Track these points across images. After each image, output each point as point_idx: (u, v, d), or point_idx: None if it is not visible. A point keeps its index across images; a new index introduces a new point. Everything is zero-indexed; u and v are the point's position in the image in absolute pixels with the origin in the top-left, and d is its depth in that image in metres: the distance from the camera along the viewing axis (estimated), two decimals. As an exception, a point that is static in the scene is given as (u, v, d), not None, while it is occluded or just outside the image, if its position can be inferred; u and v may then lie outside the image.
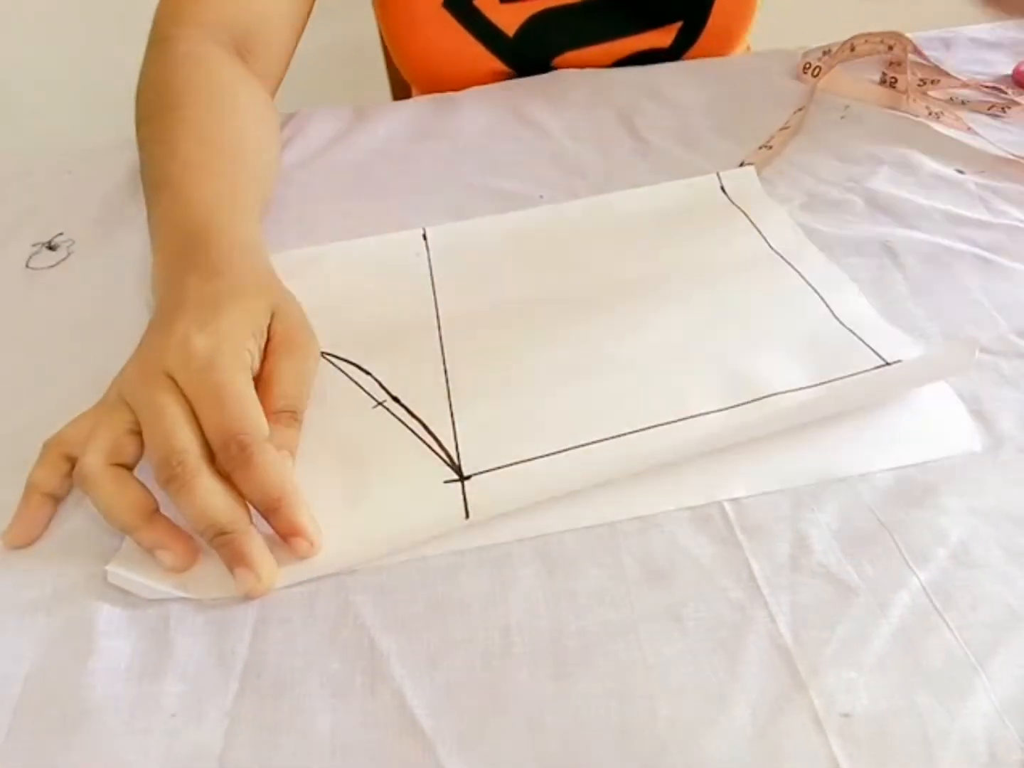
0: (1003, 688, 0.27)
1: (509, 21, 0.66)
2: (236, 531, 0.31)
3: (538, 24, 0.67)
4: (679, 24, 0.68)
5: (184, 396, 0.33)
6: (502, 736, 0.27)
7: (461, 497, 0.33)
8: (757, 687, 0.27)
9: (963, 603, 0.29)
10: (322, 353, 0.41)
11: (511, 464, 0.34)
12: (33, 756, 0.27)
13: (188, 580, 0.32)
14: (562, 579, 0.31)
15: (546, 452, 0.34)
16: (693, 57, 0.70)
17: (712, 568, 0.31)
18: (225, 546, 0.31)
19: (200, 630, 0.30)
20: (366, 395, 0.38)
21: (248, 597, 0.31)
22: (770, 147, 0.54)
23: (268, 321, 0.37)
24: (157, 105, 0.49)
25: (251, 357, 0.36)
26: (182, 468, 0.31)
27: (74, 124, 1.36)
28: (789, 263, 0.44)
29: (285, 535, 0.31)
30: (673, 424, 0.35)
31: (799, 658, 0.28)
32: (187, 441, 0.32)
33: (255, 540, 0.31)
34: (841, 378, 0.36)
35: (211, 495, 0.31)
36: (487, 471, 0.34)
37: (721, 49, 0.70)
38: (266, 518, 0.32)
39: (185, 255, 0.40)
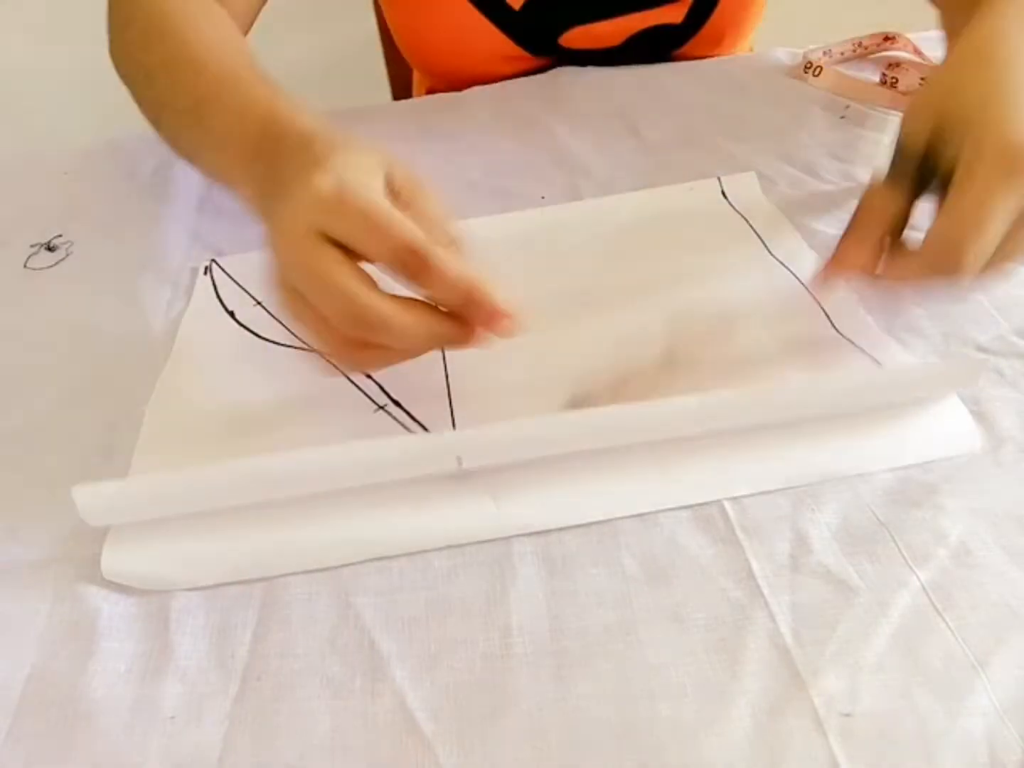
0: (1003, 688, 0.27)
1: None
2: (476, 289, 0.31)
3: None
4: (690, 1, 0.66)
5: (339, 243, 0.31)
6: (502, 737, 0.27)
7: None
8: (757, 687, 0.27)
9: (963, 603, 0.29)
10: (322, 355, 0.41)
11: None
12: (33, 757, 0.27)
13: (183, 567, 0.32)
14: (562, 579, 0.31)
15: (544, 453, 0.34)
16: (706, 36, 0.68)
17: (712, 568, 0.31)
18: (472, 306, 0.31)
19: (200, 632, 0.30)
20: (367, 399, 0.38)
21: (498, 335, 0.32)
22: None
23: (388, 168, 0.36)
24: (154, 34, 0.48)
25: (383, 191, 0.34)
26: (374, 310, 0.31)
27: (73, 125, 1.37)
28: (789, 270, 0.43)
29: (489, 318, 0.32)
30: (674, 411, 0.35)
31: (799, 658, 0.28)
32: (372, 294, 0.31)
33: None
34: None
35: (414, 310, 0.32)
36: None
37: (735, 28, 0.68)
38: (464, 312, 0.32)
39: (270, 140, 0.38)
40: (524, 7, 0.65)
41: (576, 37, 0.67)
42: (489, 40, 0.67)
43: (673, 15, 0.67)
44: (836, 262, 0.38)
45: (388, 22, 0.74)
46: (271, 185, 0.36)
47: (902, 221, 0.38)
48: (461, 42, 0.67)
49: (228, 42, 0.48)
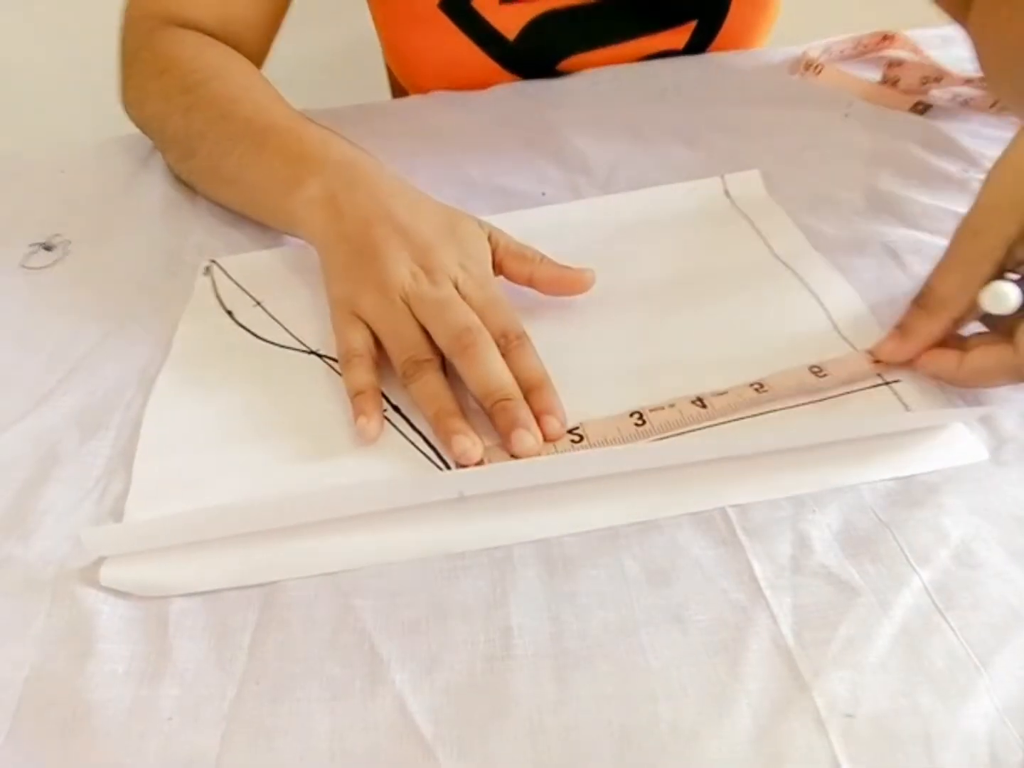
0: (1005, 688, 0.26)
1: (510, 24, 0.63)
2: (515, 398, 0.35)
3: (541, 27, 0.63)
4: (693, 24, 0.65)
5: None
6: (503, 739, 0.26)
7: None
8: (759, 688, 0.27)
9: (965, 603, 0.29)
10: (323, 358, 0.41)
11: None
12: (31, 758, 0.27)
13: (181, 573, 0.32)
14: (563, 581, 0.31)
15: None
16: None
17: (713, 569, 0.30)
18: (505, 411, 0.35)
19: (199, 634, 0.30)
20: None
21: (524, 455, 0.34)
22: None
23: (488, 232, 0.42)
24: (192, 81, 0.51)
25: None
26: (474, 339, 0.36)
27: (71, 124, 1.36)
28: (792, 270, 0.43)
29: (541, 412, 0.35)
30: (678, 436, 0.35)
31: (801, 659, 0.28)
32: (474, 320, 0.37)
33: (527, 408, 0.35)
34: (842, 394, 0.36)
35: (498, 363, 0.36)
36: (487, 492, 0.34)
37: (740, 49, 0.67)
38: (527, 395, 0.35)
39: (348, 177, 0.43)
40: (520, 37, 0.64)
41: (574, 65, 0.65)
42: (483, 70, 0.65)
43: (674, 41, 0.66)
44: (903, 345, 0.36)
45: (381, 45, 0.74)
46: (365, 219, 0.41)
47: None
48: (454, 71, 0.66)
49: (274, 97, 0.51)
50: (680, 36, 0.65)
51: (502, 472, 0.34)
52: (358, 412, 0.36)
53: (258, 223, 0.50)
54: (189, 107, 0.50)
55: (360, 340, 0.38)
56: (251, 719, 0.28)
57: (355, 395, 0.37)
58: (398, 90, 0.87)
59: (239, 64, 0.54)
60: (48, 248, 0.51)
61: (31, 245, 0.51)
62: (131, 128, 0.58)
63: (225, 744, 0.27)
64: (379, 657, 0.29)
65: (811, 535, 0.31)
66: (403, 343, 0.38)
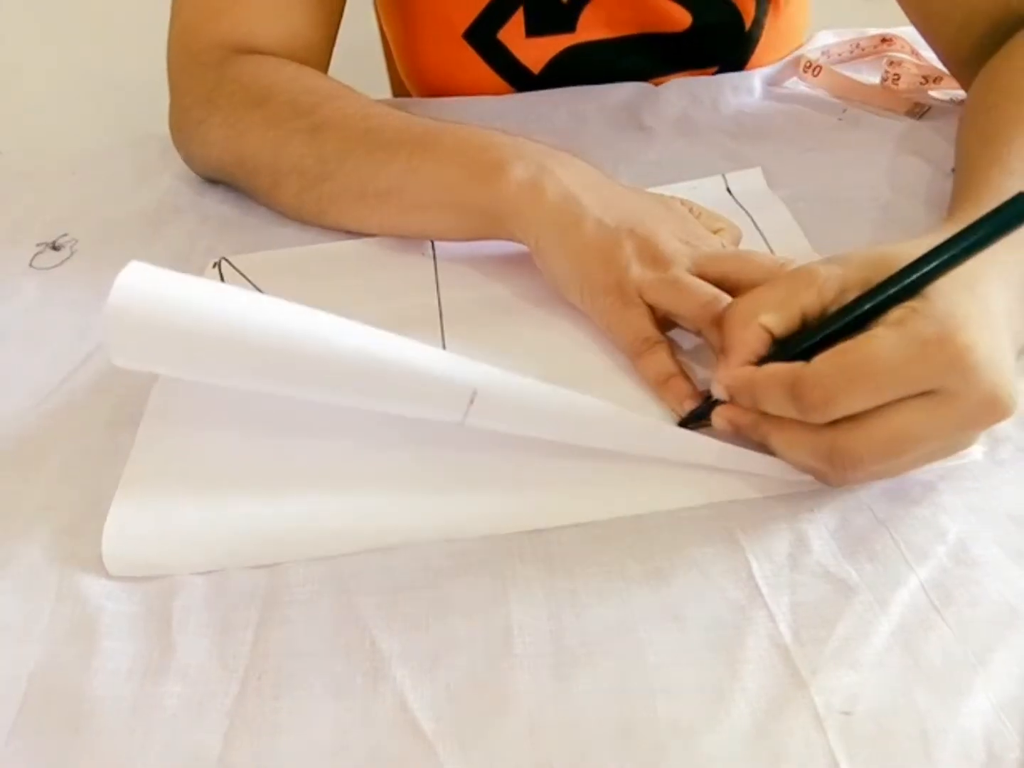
0: (1002, 686, 0.27)
1: (535, 58, 0.63)
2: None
3: (566, 62, 0.63)
4: (716, 68, 0.64)
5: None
6: (503, 736, 0.27)
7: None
8: (757, 686, 0.27)
9: (962, 601, 0.29)
10: None
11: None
12: (35, 756, 0.27)
13: (183, 552, 0.32)
14: (563, 579, 0.31)
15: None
16: None
17: (712, 568, 0.31)
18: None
19: (202, 632, 0.30)
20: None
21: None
22: None
23: None
24: (307, 103, 0.48)
25: None
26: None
27: (79, 125, 1.37)
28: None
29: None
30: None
31: (799, 657, 0.28)
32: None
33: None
34: None
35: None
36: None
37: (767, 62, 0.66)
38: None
39: (553, 160, 0.42)
40: (544, 72, 0.63)
41: None
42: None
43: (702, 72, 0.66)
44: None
45: (397, 65, 0.73)
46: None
47: None
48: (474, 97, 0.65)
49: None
50: (707, 69, 0.65)
51: (520, 393, 0.33)
52: (683, 395, 0.36)
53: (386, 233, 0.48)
54: (315, 128, 0.46)
55: (652, 325, 0.38)
56: (254, 716, 0.28)
57: (668, 379, 0.36)
58: (398, 90, 0.87)
59: (341, 85, 0.51)
60: (55, 248, 0.51)
61: (39, 245, 0.51)
62: (142, 132, 0.58)
63: (228, 741, 0.27)
64: (380, 654, 0.29)
65: (809, 534, 0.31)
66: (698, 298, 0.36)
